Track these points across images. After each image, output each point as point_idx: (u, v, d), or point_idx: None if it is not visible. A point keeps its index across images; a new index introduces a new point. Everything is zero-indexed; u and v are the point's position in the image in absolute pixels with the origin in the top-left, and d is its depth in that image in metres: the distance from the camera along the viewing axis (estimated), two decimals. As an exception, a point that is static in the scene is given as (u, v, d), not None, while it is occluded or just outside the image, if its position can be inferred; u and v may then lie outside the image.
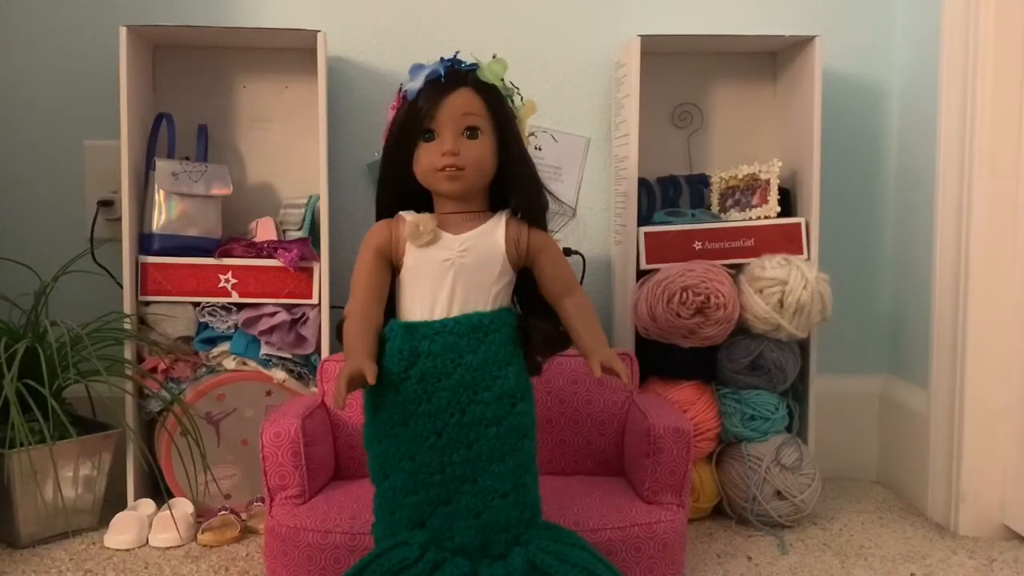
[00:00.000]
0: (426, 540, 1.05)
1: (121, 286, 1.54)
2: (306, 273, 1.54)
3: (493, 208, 1.12)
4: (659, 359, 1.55)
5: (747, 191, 1.57)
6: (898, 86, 1.74)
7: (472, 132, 1.06)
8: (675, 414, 1.32)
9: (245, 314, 1.54)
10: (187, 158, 1.60)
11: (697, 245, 1.54)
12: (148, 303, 1.55)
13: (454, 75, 1.07)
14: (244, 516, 1.49)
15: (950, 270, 1.51)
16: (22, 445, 1.31)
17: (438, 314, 1.07)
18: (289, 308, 1.55)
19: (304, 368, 1.57)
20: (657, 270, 1.51)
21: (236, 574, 1.33)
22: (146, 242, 1.55)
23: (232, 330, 1.55)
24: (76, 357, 1.37)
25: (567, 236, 1.71)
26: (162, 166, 1.55)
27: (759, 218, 1.55)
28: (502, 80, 1.09)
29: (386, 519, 1.08)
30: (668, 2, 1.73)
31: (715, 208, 1.62)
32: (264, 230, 1.58)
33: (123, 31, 1.50)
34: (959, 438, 1.50)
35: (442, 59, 1.08)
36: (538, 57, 1.72)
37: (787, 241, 1.55)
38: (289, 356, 1.55)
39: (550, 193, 1.14)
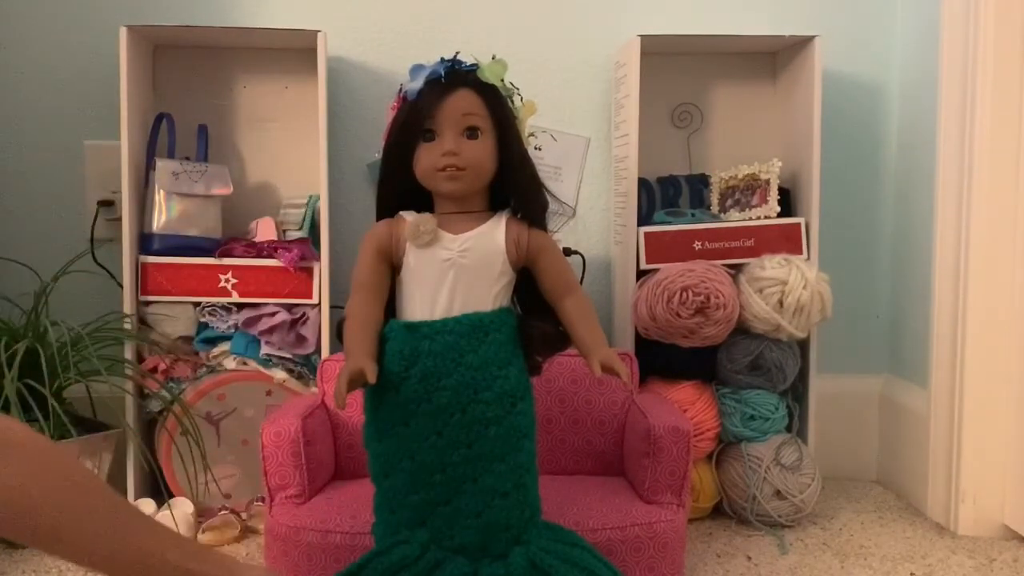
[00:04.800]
0: (427, 539, 1.05)
1: (121, 286, 1.54)
2: (306, 273, 1.55)
3: (493, 208, 1.12)
4: (659, 359, 1.55)
5: (747, 191, 1.57)
6: (898, 86, 1.74)
7: (472, 132, 1.06)
8: (675, 414, 1.32)
9: (245, 314, 1.54)
10: (187, 158, 1.60)
11: (697, 245, 1.54)
12: (148, 303, 1.55)
13: (454, 75, 1.07)
14: (244, 516, 1.49)
15: (950, 270, 1.51)
16: (22, 445, 1.31)
17: (439, 314, 1.07)
18: (289, 308, 1.55)
19: (304, 368, 1.57)
20: (657, 270, 1.51)
21: (236, 574, 1.33)
22: (146, 242, 1.55)
23: (232, 330, 1.55)
24: (76, 357, 1.37)
25: (567, 236, 1.71)
26: (162, 166, 1.55)
27: (759, 218, 1.55)
28: (502, 80, 1.09)
29: (386, 518, 1.08)
30: (668, 2, 1.73)
31: (715, 208, 1.62)
32: (264, 230, 1.58)
33: (123, 31, 1.50)
34: (959, 438, 1.50)
35: (442, 59, 1.08)
36: (538, 57, 1.72)
37: (787, 241, 1.55)
38: (289, 356, 1.55)
39: (550, 193, 1.14)
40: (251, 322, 1.54)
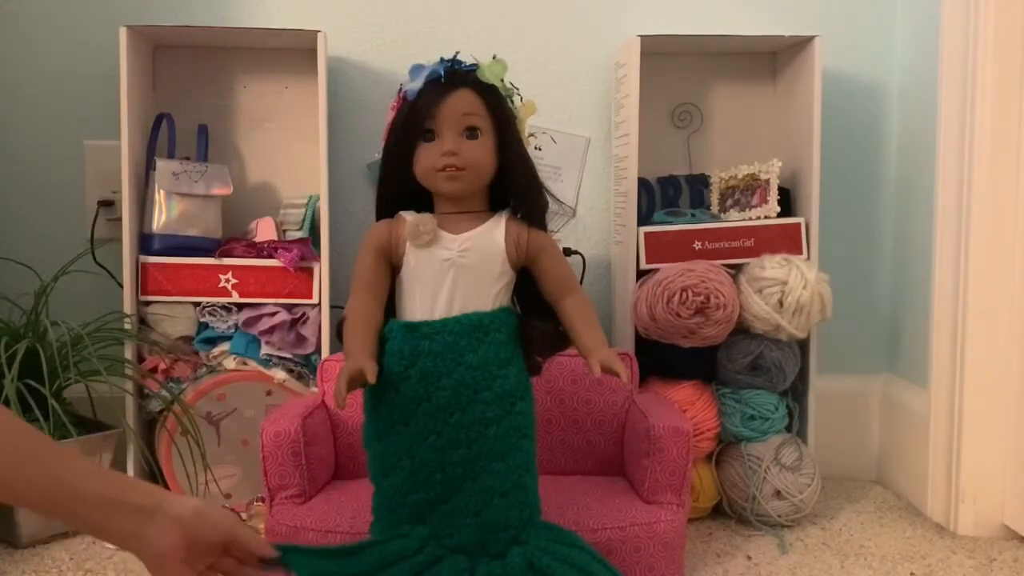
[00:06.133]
0: (426, 535, 1.05)
1: (121, 286, 1.55)
2: (306, 273, 1.55)
3: (493, 208, 1.12)
4: (659, 359, 1.55)
5: (747, 191, 1.57)
6: (898, 86, 1.74)
7: (472, 132, 1.07)
8: (675, 414, 1.32)
9: (245, 314, 1.54)
10: (187, 158, 1.60)
11: (697, 245, 1.54)
12: (148, 303, 1.55)
13: (454, 75, 1.07)
14: (244, 516, 1.49)
15: (950, 270, 1.51)
16: (22, 445, 1.31)
17: (438, 314, 1.07)
18: (289, 308, 1.55)
19: (304, 368, 1.57)
20: (657, 270, 1.51)
21: (236, 574, 1.33)
22: (146, 242, 1.55)
23: (232, 330, 1.55)
24: (76, 357, 1.37)
25: (567, 236, 1.71)
26: (162, 166, 1.55)
27: (759, 218, 1.55)
28: (502, 80, 1.10)
29: (386, 518, 1.08)
30: (668, 2, 1.73)
31: (715, 208, 1.62)
32: (264, 230, 1.58)
33: (123, 31, 1.50)
34: (959, 438, 1.50)
35: (442, 59, 1.08)
36: (538, 57, 1.72)
37: (787, 241, 1.55)
38: (289, 356, 1.55)
39: (550, 193, 1.14)
40: (251, 322, 1.54)
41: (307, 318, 1.55)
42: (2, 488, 0.74)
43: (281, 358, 1.55)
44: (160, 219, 1.55)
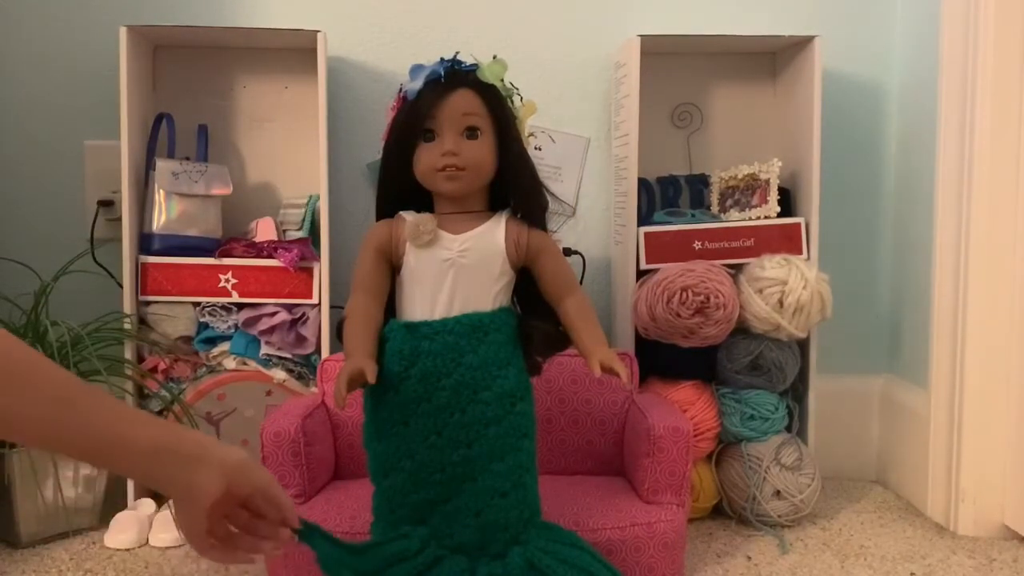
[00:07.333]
0: (427, 535, 1.05)
1: (121, 286, 1.55)
2: (306, 273, 1.55)
3: (493, 208, 1.12)
4: (659, 359, 1.55)
5: (747, 191, 1.58)
6: (898, 86, 1.74)
7: (472, 132, 1.07)
8: (675, 414, 1.32)
9: (245, 314, 1.54)
10: (187, 158, 1.60)
11: (697, 245, 1.54)
12: (148, 303, 1.55)
13: (454, 75, 1.07)
14: (244, 516, 1.49)
15: (950, 270, 1.51)
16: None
17: (438, 314, 1.07)
18: (289, 308, 1.55)
19: (304, 368, 1.57)
20: (657, 270, 1.51)
21: (236, 574, 1.33)
22: (146, 242, 1.55)
23: (232, 330, 1.55)
24: (76, 357, 1.37)
25: (567, 236, 1.71)
26: (162, 166, 1.55)
27: (759, 218, 1.55)
28: (502, 80, 1.10)
29: (386, 518, 1.08)
30: (668, 2, 1.73)
31: (715, 208, 1.62)
32: (264, 230, 1.59)
33: (123, 31, 1.50)
34: (959, 438, 1.50)
35: (442, 60, 1.08)
36: (538, 57, 1.72)
37: (787, 241, 1.55)
38: (289, 356, 1.55)
39: (550, 193, 1.14)
40: (251, 322, 1.54)
41: (307, 318, 1.55)
42: (51, 434, 0.73)
43: (281, 358, 1.55)
44: (160, 219, 1.55)
